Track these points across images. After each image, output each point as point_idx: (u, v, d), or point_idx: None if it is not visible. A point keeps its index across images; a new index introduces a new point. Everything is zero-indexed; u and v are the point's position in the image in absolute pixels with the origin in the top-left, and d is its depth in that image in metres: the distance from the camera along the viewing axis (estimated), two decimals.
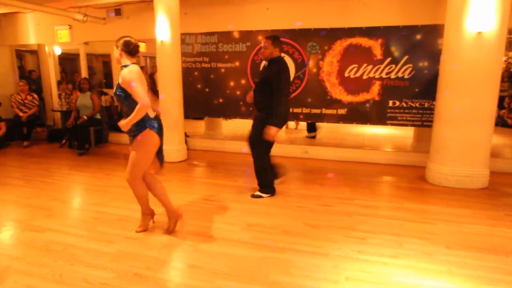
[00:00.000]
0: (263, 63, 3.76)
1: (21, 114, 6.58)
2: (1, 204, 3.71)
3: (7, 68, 8.18)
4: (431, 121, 4.84)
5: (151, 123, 2.79)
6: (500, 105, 7.80)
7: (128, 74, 2.63)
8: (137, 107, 2.61)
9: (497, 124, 5.78)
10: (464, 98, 4.07)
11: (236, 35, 5.78)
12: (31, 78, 8.23)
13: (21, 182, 4.52)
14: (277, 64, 3.58)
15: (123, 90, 2.68)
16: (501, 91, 5.18)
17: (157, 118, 2.88)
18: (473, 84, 4.02)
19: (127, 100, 2.70)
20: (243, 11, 5.82)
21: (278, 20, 5.64)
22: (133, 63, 2.76)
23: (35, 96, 6.87)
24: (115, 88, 2.76)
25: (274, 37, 3.66)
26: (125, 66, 2.73)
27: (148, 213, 3.10)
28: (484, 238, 2.92)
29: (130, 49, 2.75)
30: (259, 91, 3.68)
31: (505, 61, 10.54)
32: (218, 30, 5.86)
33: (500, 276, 2.37)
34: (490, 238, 2.93)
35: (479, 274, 2.38)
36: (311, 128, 6.97)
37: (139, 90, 2.61)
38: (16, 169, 5.17)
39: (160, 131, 2.86)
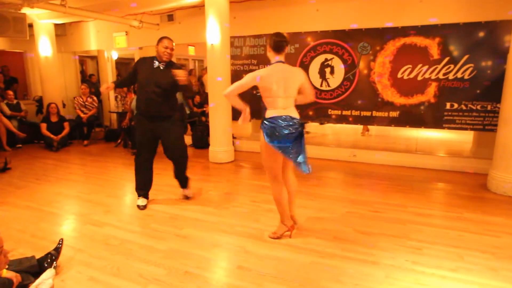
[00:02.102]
0: (155, 64, 3.45)
1: (82, 115, 7.09)
2: (65, 199, 4.02)
3: (72, 72, 8.88)
4: (495, 125, 4.49)
5: (263, 123, 2.71)
6: None
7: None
8: None
9: None
10: None
11: None
12: (91, 82, 8.84)
13: (82, 178, 4.86)
14: (175, 66, 3.45)
15: None
16: None
17: (272, 118, 2.67)
18: None
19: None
20: (292, 12, 5.79)
21: (328, 21, 5.54)
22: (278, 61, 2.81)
23: (95, 98, 7.37)
24: None
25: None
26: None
27: (286, 223, 2.86)
28: None
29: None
30: (164, 97, 3.42)
31: None
32: (266, 32, 5.89)
33: None
34: None
35: None
36: None
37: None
38: (78, 166, 5.57)
39: (270, 132, 2.62)
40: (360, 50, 5.29)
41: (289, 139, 2.60)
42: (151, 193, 4.22)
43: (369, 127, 7.44)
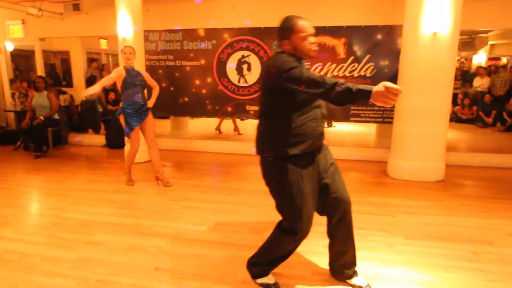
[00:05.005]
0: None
1: None
2: None
3: None
4: (392, 118, 5.04)
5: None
6: (454, 102, 8.27)
7: None
8: None
9: (451, 119, 6.13)
10: (421, 96, 4.27)
11: (201, 32, 5.70)
12: None
13: None
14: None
15: None
16: (454, 88, 5.49)
17: None
18: (429, 82, 4.22)
19: None
20: (208, 8, 5.75)
21: (244, 18, 5.63)
22: None
23: None
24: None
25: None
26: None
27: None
28: (440, 228, 3.08)
29: None
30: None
31: (458, 60, 11.21)
32: (183, 27, 5.76)
33: (454, 262, 2.51)
34: (446, 227, 3.10)
35: (435, 262, 2.52)
36: None
37: None
38: None
39: None
40: (275, 48, 5.49)
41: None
42: (56, 199, 3.88)
43: None
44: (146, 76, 4.21)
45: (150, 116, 4.20)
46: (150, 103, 4.23)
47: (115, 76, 3.91)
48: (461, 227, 3.09)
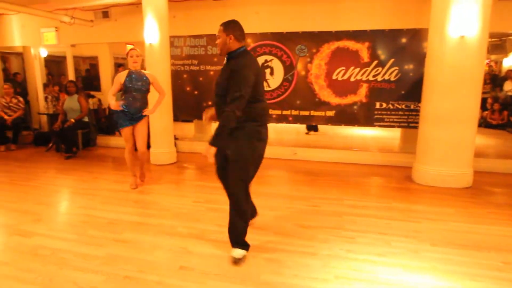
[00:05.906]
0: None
1: (6, 117, 6.47)
2: None
3: None
4: (417, 123, 4.94)
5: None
6: (483, 107, 8.01)
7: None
8: None
9: (480, 125, 5.93)
10: (448, 100, 4.18)
11: None
12: (15, 81, 8.08)
13: (7, 186, 4.45)
14: (236, 59, 2.54)
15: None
16: (483, 93, 5.34)
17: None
18: (456, 86, 4.13)
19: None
20: (232, 14, 5.79)
21: (267, 23, 5.69)
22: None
23: (21, 99, 6.77)
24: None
25: (227, 22, 2.72)
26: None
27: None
28: (467, 235, 3.00)
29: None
30: (223, 101, 2.56)
31: (487, 63, 10.84)
32: (207, 33, 5.88)
33: (482, 271, 2.44)
34: (473, 235, 3.02)
35: (462, 270, 2.46)
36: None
37: None
38: (2, 173, 5.07)
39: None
40: (298, 52, 5.51)
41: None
42: (86, 199, 4.02)
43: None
44: (153, 81, 4.16)
45: (143, 121, 4.16)
46: (149, 111, 4.17)
47: (117, 83, 4.01)
48: (489, 236, 3.00)
